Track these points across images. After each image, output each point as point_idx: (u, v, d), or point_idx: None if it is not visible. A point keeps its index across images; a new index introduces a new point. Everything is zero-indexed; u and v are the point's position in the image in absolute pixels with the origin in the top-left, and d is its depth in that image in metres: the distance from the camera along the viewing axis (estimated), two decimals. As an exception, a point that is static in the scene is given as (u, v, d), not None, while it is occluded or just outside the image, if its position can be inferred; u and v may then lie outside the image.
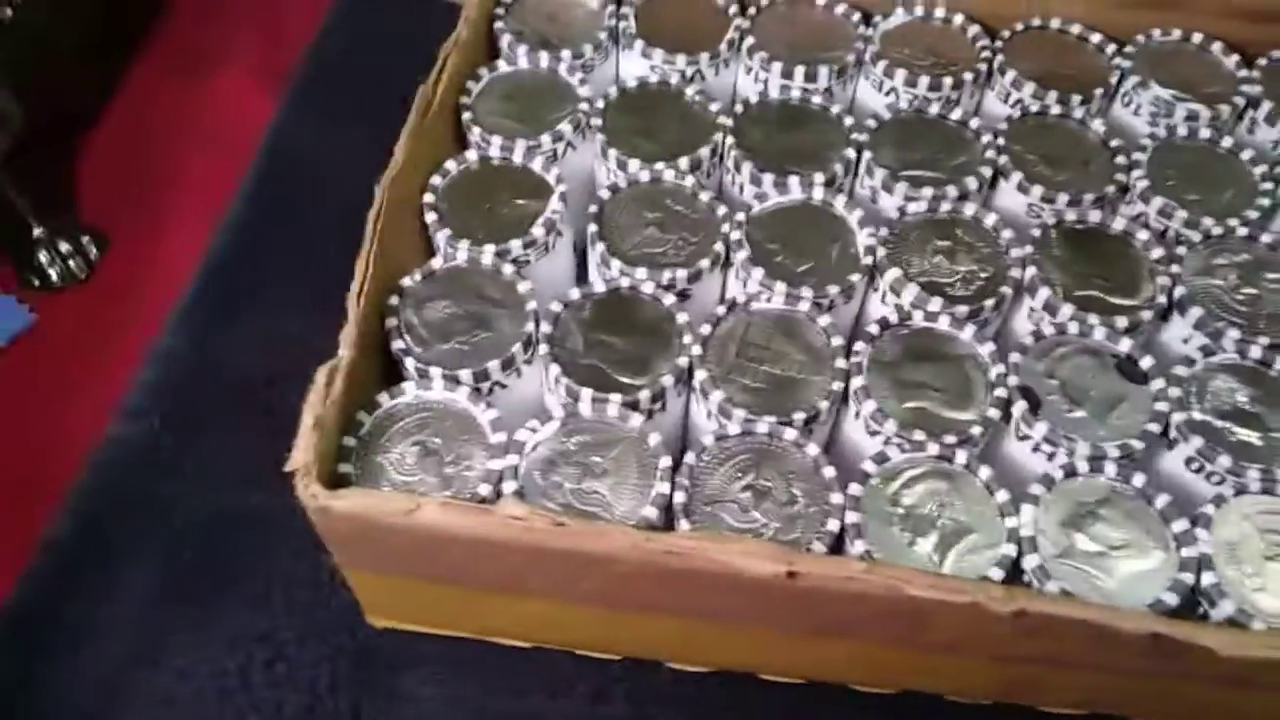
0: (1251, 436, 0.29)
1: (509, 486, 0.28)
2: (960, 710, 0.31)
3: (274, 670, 0.32)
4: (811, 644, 0.29)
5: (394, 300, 0.31)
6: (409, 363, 0.30)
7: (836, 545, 0.28)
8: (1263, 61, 0.37)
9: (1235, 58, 0.37)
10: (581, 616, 0.29)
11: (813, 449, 0.28)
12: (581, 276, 0.35)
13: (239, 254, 0.40)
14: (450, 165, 0.33)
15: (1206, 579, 0.27)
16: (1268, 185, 0.34)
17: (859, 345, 0.30)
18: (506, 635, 0.32)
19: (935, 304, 0.31)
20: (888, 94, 0.36)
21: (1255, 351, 0.30)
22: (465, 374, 0.29)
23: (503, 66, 0.36)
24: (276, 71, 0.46)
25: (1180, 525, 0.27)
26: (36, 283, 0.41)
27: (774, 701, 0.31)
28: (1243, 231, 0.33)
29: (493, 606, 0.29)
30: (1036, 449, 0.29)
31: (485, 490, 0.27)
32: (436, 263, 0.32)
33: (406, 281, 0.31)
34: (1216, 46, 0.37)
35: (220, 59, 0.47)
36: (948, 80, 0.36)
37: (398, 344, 0.30)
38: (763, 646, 0.30)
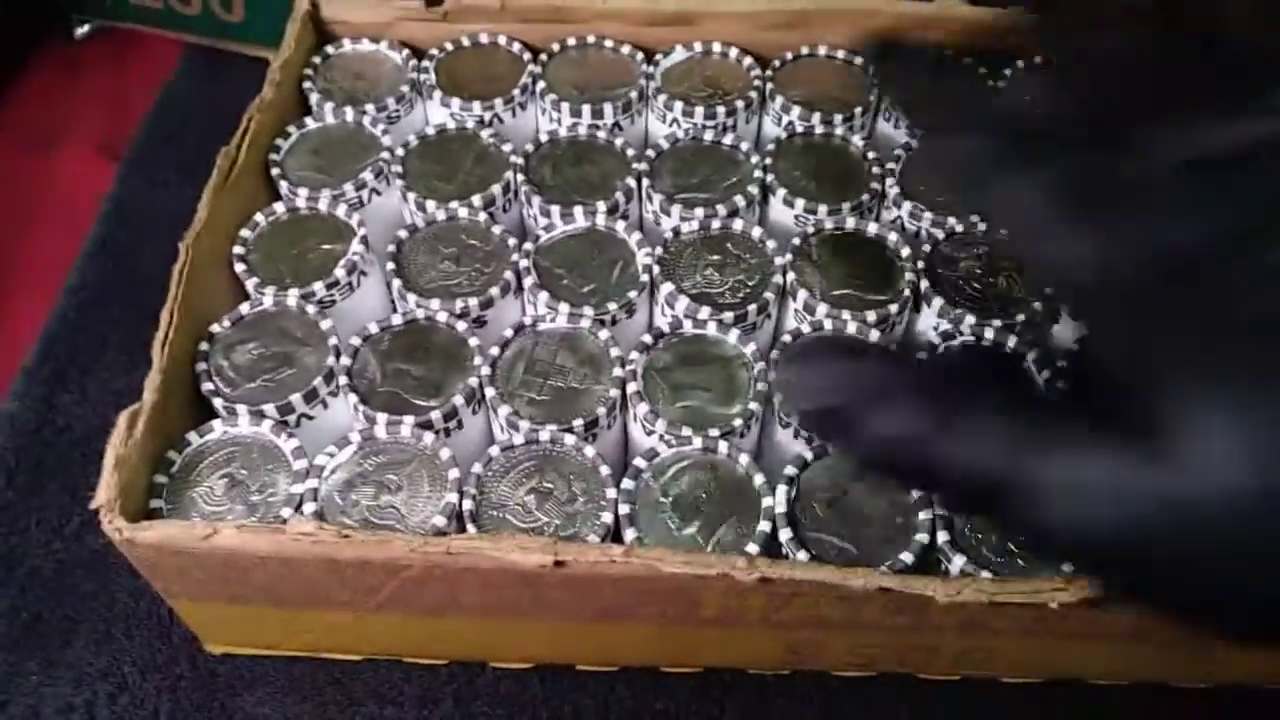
0: (985, 408, 0.32)
1: (309, 508, 0.30)
2: (759, 681, 0.34)
3: (118, 703, 0.34)
4: (605, 630, 0.32)
5: (204, 346, 0.33)
6: (217, 403, 0.32)
7: (615, 537, 0.30)
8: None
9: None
10: (390, 624, 0.31)
11: (590, 450, 0.31)
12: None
13: (79, 317, 0.42)
14: (259, 217, 0.36)
15: (941, 538, 0.30)
16: (1007, 183, 0.37)
17: (634, 354, 0.33)
18: (334, 650, 0.34)
19: (704, 313, 0.34)
20: (670, 125, 0.40)
21: (989, 333, 0.34)
22: (269, 408, 0.32)
23: (310, 123, 0.39)
24: (117, 143, 0.48)
25: (918, 492, 0.31)
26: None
27: (590, 689, 0.34)
28: (983, 226, 0.36)
29: (308, 622, 0.32)
30: (796, 435, 0.32)
31: (288, 513, 0.30)
32: (244, 308, 0.34)
33: (215, 328, 0.33)
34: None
35: (65, 133, 0.49)
36: (721, 109, 0.39)
37: (207, 385, 0.32)
38: (564, 637, 0.32)
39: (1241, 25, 0.24)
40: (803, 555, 0.29)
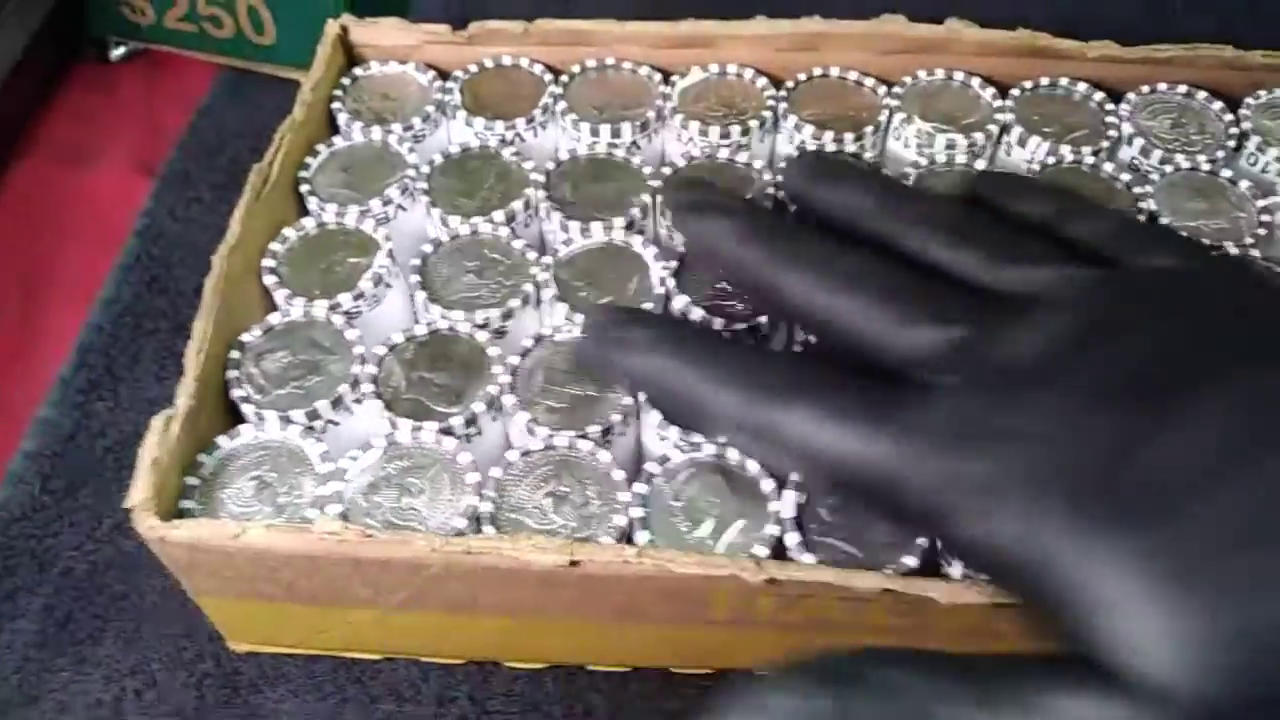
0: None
1: (333, 509, 0.31)
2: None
3: (144, 699, 0.35)
4: (618, 631, 0.33)
5: (234, 354, 0.34)
6: (247, 409, 0.33)
7: (629, 539, 0.31)
8: (1015, 92, 0.42)
9: (991, 90, 0.42)
10: (410, 623, 0.32)
11: (605, 456, 0.32)
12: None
13: (113, 328, 0.43)
14: (289, 232, 0.37)
15: (941, 543, 0.31)
16: (1014, 200, 0.38)
17: (648, 364, 0.34)
18: (355, 648, 0.35)
19: (718, 324, 0.35)
20: (686, 143, 0.41)
21: (995, 345, 0.35)
22: (297, 414, 0.33)
23: (339, 142, 0.40)
24: (152, 162, 0.50)
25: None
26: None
27: (602, 688, 0.35)
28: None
29: (331, 620, 0.33)
30: (806, 443, 0.33)
31: (314, 514, 0.31)
32: (274, 318, 0.35)
33: (246, 337, 0.35)
34: (975, 81, 0.42)
35: (101, 152, 0.51)
36: (736, 128, 0.40)
37: (236, 392, 0.33)
38: (578, 638, 0.33)
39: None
40: (809, 558, 0.30)
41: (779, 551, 0.31)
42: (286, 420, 0.33)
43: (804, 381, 0.26)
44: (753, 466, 0.32)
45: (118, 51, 0.55)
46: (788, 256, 0.28)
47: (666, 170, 0.39)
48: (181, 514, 0.31)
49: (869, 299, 0.27)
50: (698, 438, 0.32)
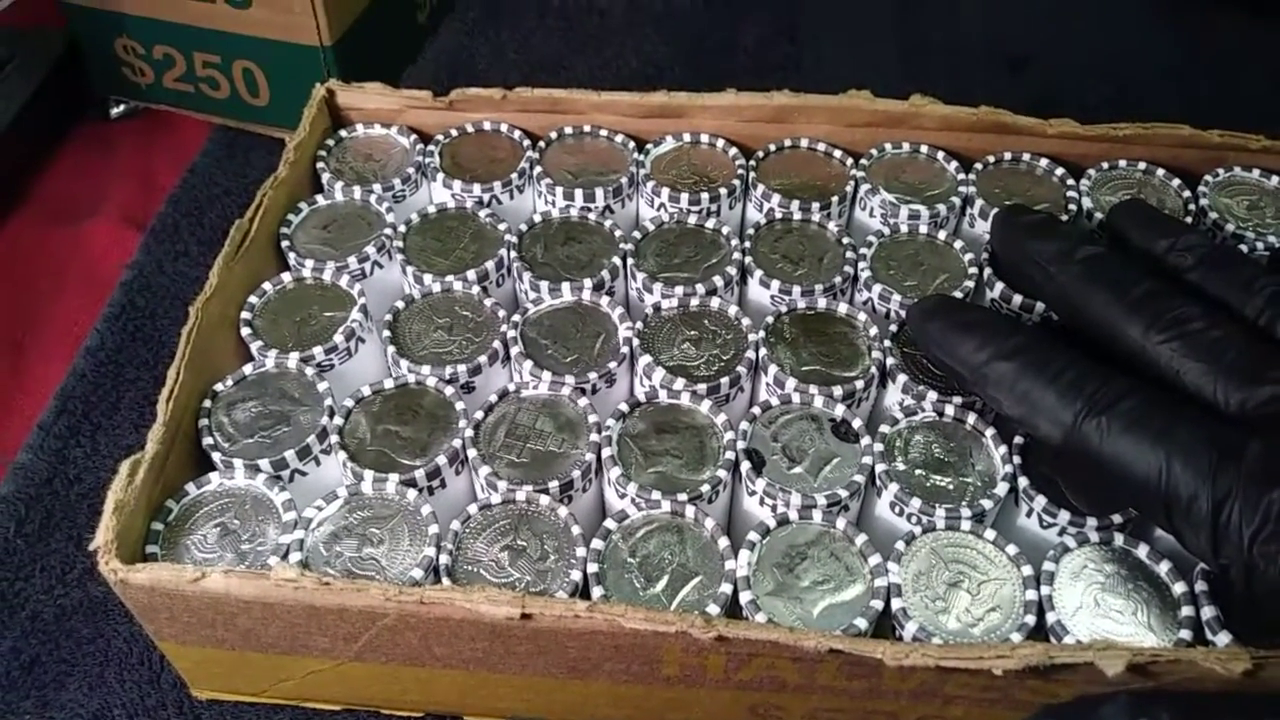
0: (943, 481, 0.34)
1: (294, 557, 0.32)
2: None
3: (105, 744, 0.35)
4: (573, 686, 0.33)
5: (207, 403, 0.35)
6: (216, 456, 0.34)
7: (585, 594, 0.32)
8: (979, 165, 0.43)
9: (955, 164, 0.43)
10: (368, 674, 0.33)
11: (563, 511, 0.33)
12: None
13: (95, 376, 0.44)
14: (267, 286, 0.38)
15: (895, 604, 0.31)
16: (974, 270, 0.39)
17: (610, 421, 0.35)
18: (315, 698, 0.35)
19: (679, 384, 0.36)
20: (658, 209, 0.42)
21: (950, 410, 0.35)
22: (264, 462, 0.34)
23: (321, 200, 0.42)
24: (144, 216, 0.51)
25: (875, 560, 0.32)
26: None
27: (558, 746, 0.35)
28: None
29: (291, 669, 0.33)
30: (761, 501, 0.34)
31: (274, 562, 0.32)
32: (248, 369, 0.36)
33: (218, 386, 0.36)
34: (940, 155, 0.43)
35: (96, 207, 0.52)
36: (705, 195, 0.41)
37: (207, 440, 0.34)
38: (534, 692, 0.33)
39: None
40: (761, 617, 0.31)
41: (733, 610, 0.31)
42: (254, 469, 0.34)
43: (1127, 396, 0.29)
44: (709, 525, 0.33)
45: (118, 110, 0.57)
46: (1130, 301, 0.31)
47: (637, 234, 0.40)
48: (147, 558, 0.32)
49: (1210, 353, 0.30)
50: (656, 495, 0.33)
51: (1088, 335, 0.32)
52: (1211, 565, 0.28)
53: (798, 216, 0.41)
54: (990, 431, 0.35)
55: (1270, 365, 0.29)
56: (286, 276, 0.39)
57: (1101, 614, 0.31)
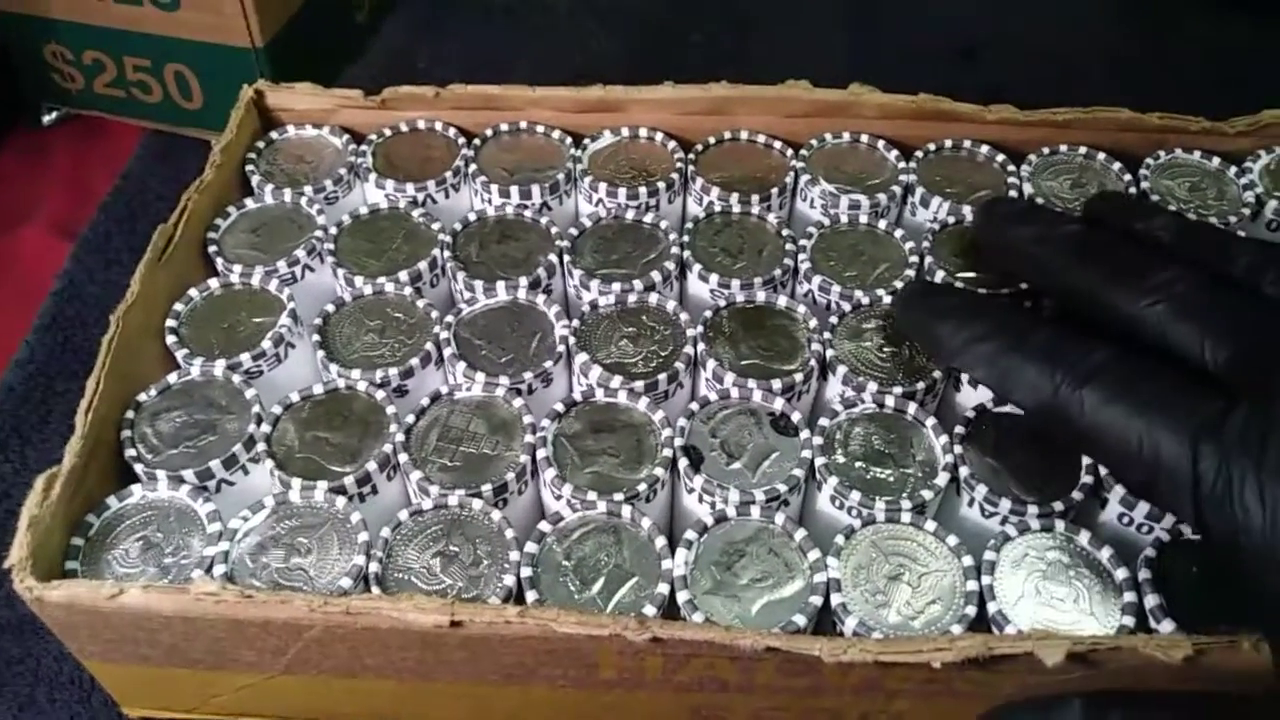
0: (884, 473, 0.33)
1: (219, 570, 0.31)
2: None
3: (33, 767, 0.34)
4: (511, 693, 0.32)
5: (129, 414, 0.34)
6: (139, 469, 0.33)
7: (519, 599, 0.31)
8: (919, 154, 0.43)
9: (895, 152, 0.43)
10: (300, 686, 0.32)
11: (496, 515, 0.32)
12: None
13: (24, 388, 0.43)
14: (193, 292, 0.38)
15: (835, 599, 0.31)
16: (915, 259, 0.39)
17: (545, 421, 0.34)
18: (248, 713, 0.34)
19: (616, 381, 0.35)
20: (596, 205, 0.41)
21: (890, 401, 0.35)
22: (189, 473, 0.33)
23: (250, 203, 0.41)
24: (75, 224, 0.50)
25: (815, 555, 0.31)
26: None
27: (500, 754, 0.34)
28: (888, 300, 0.37)
29: (219, 684, 0.32)
30: (700, 499, 0.33)
31: (198, 575, 0.31)
32: (172, 378, 0.35)
33: (141, 396, 0.35)
34: (880, 144, 0.43)
35: (27, 215, 0.51)
36: (644, 189, 0.41)
37: (129, 452, 0.33)
38: (471, 701, 0.33)
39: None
40: (698, 617, 0.30)
41: (671, 611, 0.31)
42: (179, 480, 0.33)
43: (1107, 366, 0.29)
44: (646, 525, 0.32)
45: (49, 116, 0.56)
46: (1114, 271, 0.31)
47: (574, 231, 0.40)
48: (67, 575, 0.31)
49: (1197, 313, 0.29)
50: (591, 495, 0.32)
51: (1075, 310, 0.32)
52: (1195, 532, 0.28)
53: (737, 209, 0.41)
54: (931, 421, 0.34)
55: (1257, 322, 0.28)
56: (214, 282, 0.38)
57: (1043, 602, 0.31)
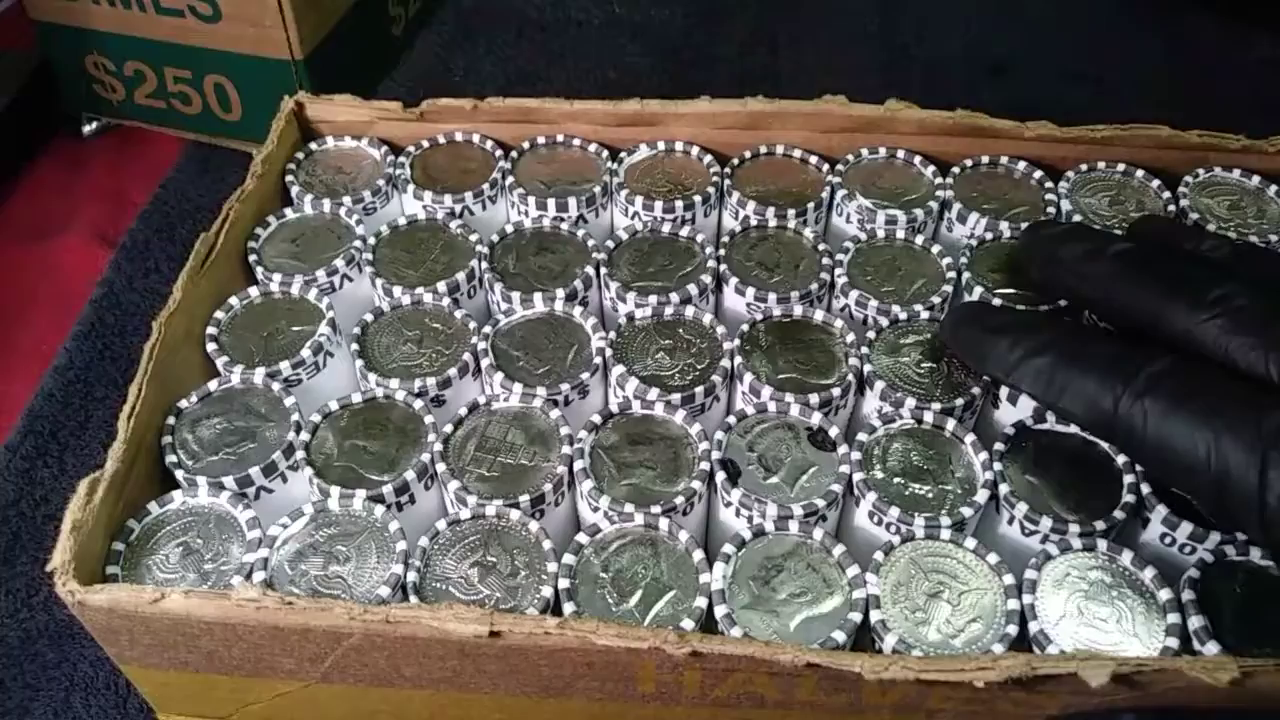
0: (923, 490, 0.33)
1: (258, 576, 0.31)
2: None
3: (68, 772, 0.34)
4: (548, 706, 0.32)
5: (170, 420, 0.34)
6: (179, 474, 0.33)
7: (556, 610, 0.31)
8: (955, 169, 0.43)
9: (932, 168, 0.42)
10: (337, 695, 0.32)
11: (534, 526, 0.32)
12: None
13: (64, 395, 0.43)
14: (233, 300, 0.38)
15: (874, 616, 0.30)
16: (952, 274, 0.39)
17: (582, 433, 0.34)
18: (283, 722, 0.34)
19: (653, 394, 0.35)
20: (632, 218, 0.41)
21: (929, 417, 0.35)
22: (229, 480, 0.33)
23: (289, 213, 0.41)
24: (115, 233, 0.50)
25: (854, 571, 0.31)
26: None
27: (533, 767, 0.34)
28: (925, 315, 0.37)
29: (257, 692, 0.32)
30: (738, 513, 0.33)
31: (238, 581, 0.31)
32: (213, 385, 0.35)
33: (183, 403, 0.35)
34: (917, 159, 0.43)
35: (67, 224, 0.52)
36: (680, 203, 0.41)
37: (170, 458, 0.34)
38: (508, 713, 0.33)
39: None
40: (736, 631, 0.30)
41: (708, 624, 0.31)
42: (219, 487, 0.33)
43: (1171, 374, 0.28)
44: (684, 538, 0.32)
45: (90, 127, 0.56)
46: (1171, 286, 0.31)
47: (610, 244, 0.40)
48: (108, 579, 0.31)
49: (1258, 326, 0.29)
50: (629, 508, 0.32)
51: (1126, 326, 0.32)
52: (1262, 547, 0.28)
53: (773, 223, 0.41)
54: (970, 438, 0.34)
55: None
56: (254, 291, 0.38)
57: (1085, 622, 0.30)
